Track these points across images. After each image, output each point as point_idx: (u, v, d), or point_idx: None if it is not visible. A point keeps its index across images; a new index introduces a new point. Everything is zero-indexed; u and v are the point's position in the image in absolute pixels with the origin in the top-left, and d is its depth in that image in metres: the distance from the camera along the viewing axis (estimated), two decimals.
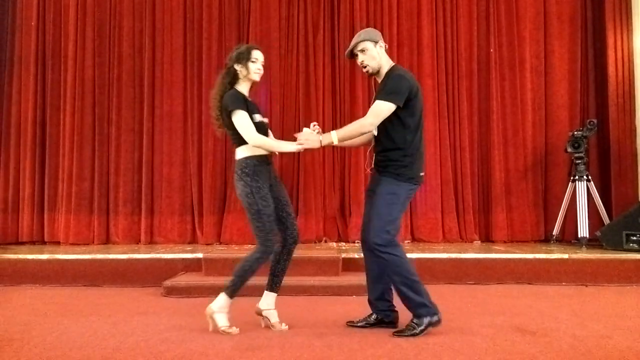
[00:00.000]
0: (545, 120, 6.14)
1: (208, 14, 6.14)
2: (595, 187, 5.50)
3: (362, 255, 3.13)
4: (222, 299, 2.92)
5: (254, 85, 3.07)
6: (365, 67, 2.98)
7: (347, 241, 5.76)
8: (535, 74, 6.17)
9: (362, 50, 2.96)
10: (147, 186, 6.04)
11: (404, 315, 2.95)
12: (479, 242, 5.90)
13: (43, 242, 6.06)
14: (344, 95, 6.06)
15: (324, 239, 5.87)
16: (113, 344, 2.70)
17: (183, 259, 4.70)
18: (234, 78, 2.98)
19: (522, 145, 6.08)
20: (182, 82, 6.13)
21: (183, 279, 4.31)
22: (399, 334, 2.82)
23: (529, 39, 6.16)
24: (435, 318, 2.83)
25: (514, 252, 4.83)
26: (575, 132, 5.51)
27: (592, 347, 2.60)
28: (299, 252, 4.59)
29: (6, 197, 6.13)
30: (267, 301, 3.03)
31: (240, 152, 2.94)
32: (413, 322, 2.84)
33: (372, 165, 3.06)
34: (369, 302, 3.08)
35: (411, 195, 3.00)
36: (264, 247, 2.88)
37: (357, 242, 3.17)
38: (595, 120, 5.60)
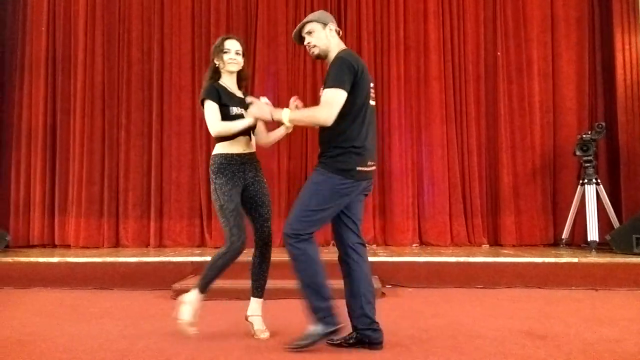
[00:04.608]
0: (554, 124, 6.11)
1: (216, 19, 6.18)
2: (605, 190, 5.45)
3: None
4: (193, 292, 2.89)
5: (241, 77, 3.04)
6: (311, 49, 2.77)
7: None
8: (542, 77, 6.14)
9: (309, 32, 2.77)
10: (156, 189, 6.07)
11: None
12: (488, 245, 5.87)
13: (53, 246, 6.11)
14: None
15: (332, 242, 5.86)
16: (124, 347, 2.73)
17: (192, 262, 4.74)
18: (215, 72, 2.99)
19: (531, 148, 6.05)
20: (191, 86, 6.17)
21: (192, 282, 4.31)
22: (292, 345, 2.59)
23: (536, 42, 6.13)
24: (330, 328, 2.57)
25: (523, 256, 4.82)
26: (584, 135, 5.47)
27: (603, 352, 2.59)
28: None
29: (17, 200, 6.19)
30: (252, 307, 3.00)
31: (214, 149, 2.96)
32: (307, 332, 2.63)
33: None
34: (349, 319, 2.71)
35: (343, 191, 2.59)
36: (229, 242, 2.89)
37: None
38: (603, 123, 5.56)
